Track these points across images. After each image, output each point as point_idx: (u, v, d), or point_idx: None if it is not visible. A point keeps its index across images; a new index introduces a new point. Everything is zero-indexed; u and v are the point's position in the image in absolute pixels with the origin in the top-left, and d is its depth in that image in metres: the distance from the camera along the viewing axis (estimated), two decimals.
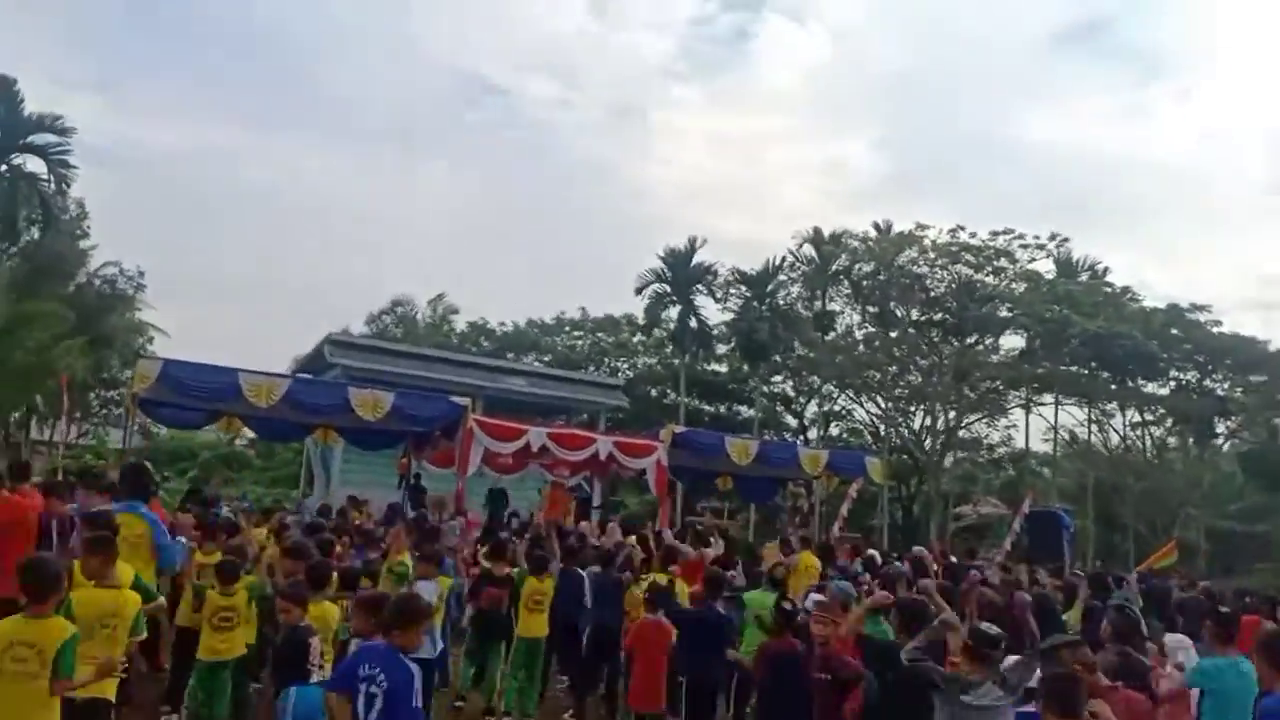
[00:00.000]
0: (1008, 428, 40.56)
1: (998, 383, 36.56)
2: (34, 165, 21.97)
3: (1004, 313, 31.22)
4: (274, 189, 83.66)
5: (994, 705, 4.54)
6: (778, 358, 39.76)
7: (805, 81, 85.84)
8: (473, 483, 20.06)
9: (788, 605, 6.48)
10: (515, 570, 8.74)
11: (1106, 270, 36.09)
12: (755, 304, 31.47)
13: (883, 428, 39.26)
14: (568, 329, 41.50)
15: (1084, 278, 35.34)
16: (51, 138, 21.77)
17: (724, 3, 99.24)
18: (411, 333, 42.75)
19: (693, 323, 30.76)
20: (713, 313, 33.61)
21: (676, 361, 34.79)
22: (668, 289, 30.57)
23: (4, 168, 21.44)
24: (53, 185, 21.61)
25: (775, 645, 6.15)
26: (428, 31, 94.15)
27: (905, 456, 36.65)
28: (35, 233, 26.28)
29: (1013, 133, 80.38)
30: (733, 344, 34.19)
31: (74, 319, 23.87)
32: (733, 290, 32.25)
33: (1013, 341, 35.85)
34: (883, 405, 39.21)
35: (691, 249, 30.51)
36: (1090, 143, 74.46)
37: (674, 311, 31.16)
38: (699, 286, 30.74)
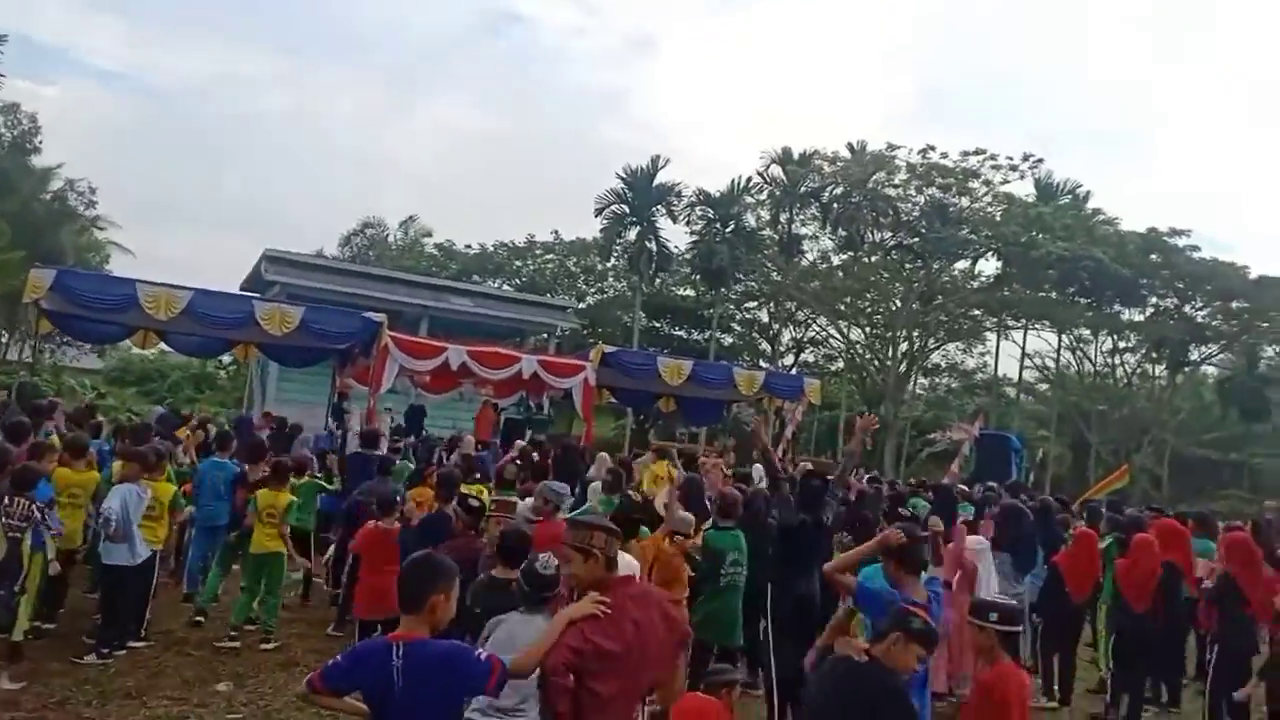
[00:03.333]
0: (982, 354, 40.27)
1: (972, 309, 36.09)
2: None
3: (970, 235, 30.41)
4: (291, 117, 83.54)
5: None
6: (745, 282, 39.32)
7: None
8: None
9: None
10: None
11: (1088, 194, 35.13)
12: (717, 225, 30.67)
13: (861, 353, 38.96)
14: (538, 252, 40.86)
15: (1065, 201, 34.44)
16: None
17: None
18: (383, 255, 42.27)
19: (652, 245, 29.99)
20: (678, 235, 33.05)
21: (641, 287, 34.23)
22: (627, 210, 29.78)
23: None
24: None
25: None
26: None
27: (882, 382, 36.39)
28: None
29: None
30: (693, 268, 33.56)
31: (9, 233, 23.43)
32: (697, 212, 31.46)
33: (990, 267, 35.30)
34: (861, 332, 38.87)
35: (654, 168, 29.64)
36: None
37: (635, 234, 30.36)
38: (659, 208, 29.93)
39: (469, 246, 41.08)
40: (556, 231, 40.33)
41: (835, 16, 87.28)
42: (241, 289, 25.68)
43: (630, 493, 7.84)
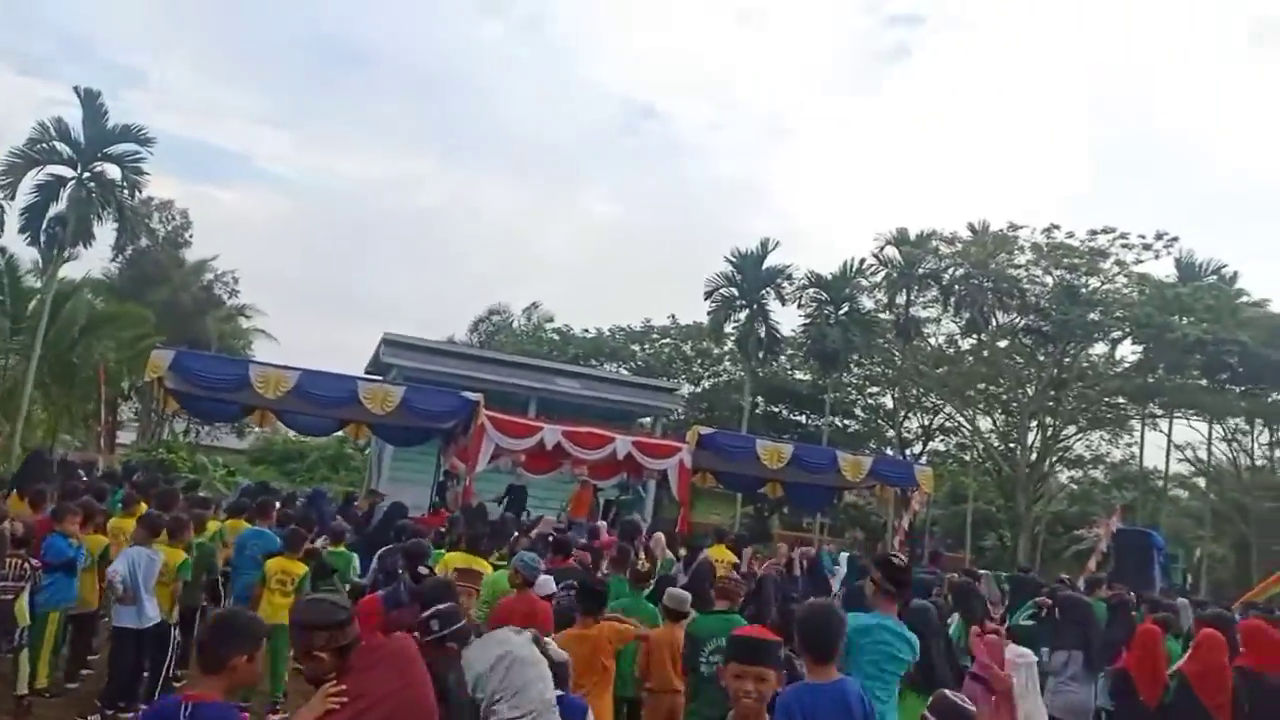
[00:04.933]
0: (1129, 445, 37.67)
1: (1115, 396, 34.00)
2: (114, 173, 23.17)
3: (1095, 317, 28.78)
4: (442, 212, 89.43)
5: None
6: (868, 366, 38.31)
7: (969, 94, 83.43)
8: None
9: None
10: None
11: (1235, 275, 32.78)
12: (829, 308, 30.12)
13: (992, 442, 37.16)
14: (654, 336, 41.13)
15: (1210, 280, 32.26)
16: (129, 147, 23.05)
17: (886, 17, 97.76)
18: (506, 340, 43.50)
19: (761, 329, 29.66)
20: (791, 319, 32.61)
21: (753, 370, 33.85)
22: (735, 293, 29.67)
23: (86, 175, 22.75)
24: (126, 191, 22.86)
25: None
26: (594, 65, 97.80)
27: (1013, 472, 34.52)
28: (141, 241, 28.11)
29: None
30: (805, 351, 32.96)
31: (154, 319, 25.28)
32: (810, 294, 31.01)
33: (1131, 351, 33.25)
34: (992, 419, 37.13)
35: (764, 251, 29.51)
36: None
37: (744, 317, 30.15)
38: (769, 291, 29.69)
39: (585, 331, 41.88)
40: (673, 315, 40.72)
41: (970, 94, 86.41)
42: (365, 372, 26.83)
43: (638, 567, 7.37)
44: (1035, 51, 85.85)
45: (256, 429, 26.45)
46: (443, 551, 7.93)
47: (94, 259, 30.43)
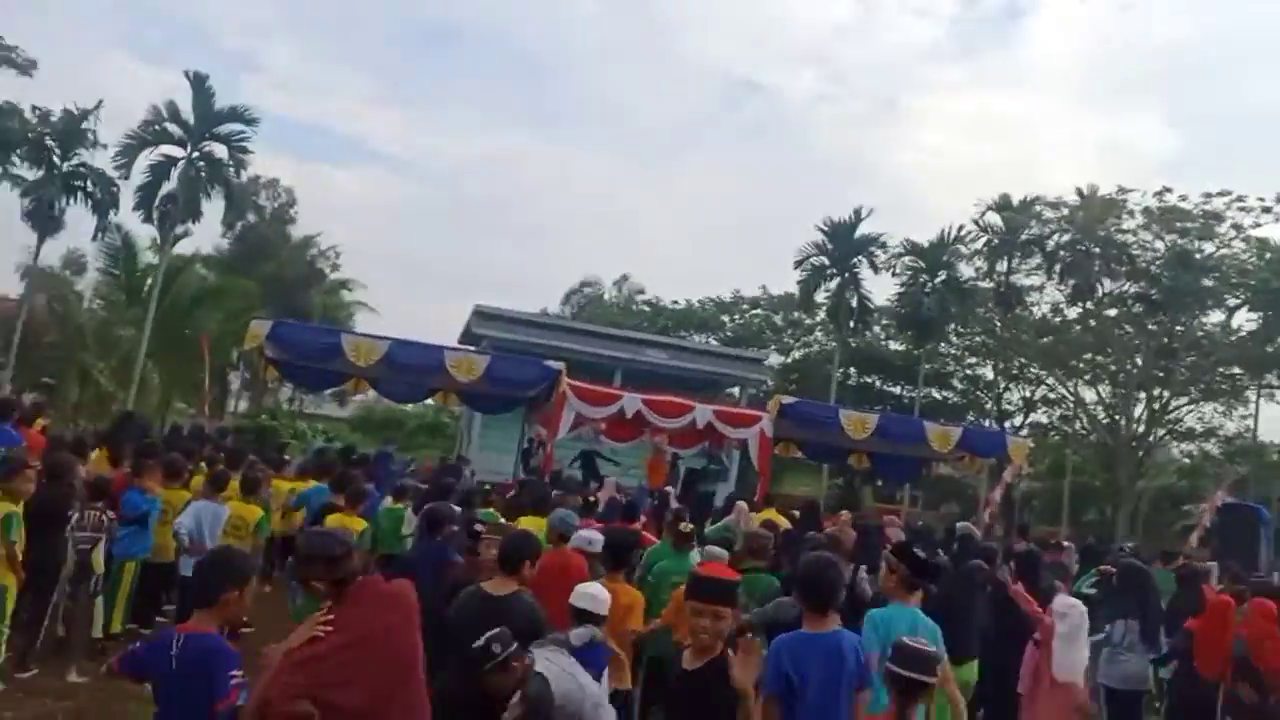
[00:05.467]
0: (1244, 417, 35.66)
1: (1231, 367, 32.22)
2: (220, 152, 24.24)
3: (1209, 283, 27.24)
4: (544, 191, 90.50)
5: None
6: (968, 336, 37.16)
7: (1082, 58, 79.87)
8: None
9: None
10: None
11: None
12: (925, 276, 29.30)
13: (1097, 414, 35.71)
14: (745, 307, 40.85)
15: None
16: (235, 127, 24.05)
17: None
18: (598, 311, 43.91)
19: (853, 298, 29.06)
20: (886, 288, 31.91)
21: (845, 340, 33.30)
22: (826, 261, 29.12)
23: (196, 154, 23.85)
24: (233, 169, 23.89)
25: None
26: (697, 37, 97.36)
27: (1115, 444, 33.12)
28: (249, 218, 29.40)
29: None
30: (898, 320, 32.17)
31: (260, 292, 26.43)
32: (906, 262, 30.24)
33: (1249, 319, 31.41)
34: (1097, 391, 35.65)
35: (856, 219, 28.86)
36: None
37: (835, 286, 29.60)
38: (861, 259, 29.03)
39: (675, 302, 41.88)
40: (764, 286, 40.32)
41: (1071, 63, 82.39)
42: (458, 342, 27.49)
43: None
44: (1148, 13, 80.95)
45: (355, 397, 27.38)
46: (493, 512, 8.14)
47: (205, 235, 32.17)
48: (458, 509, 7.03)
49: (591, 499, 11.98)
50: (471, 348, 22.30)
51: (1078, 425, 36.87)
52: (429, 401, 25.30)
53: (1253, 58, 74.72)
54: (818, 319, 36.72)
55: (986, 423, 37.14)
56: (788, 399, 19.51)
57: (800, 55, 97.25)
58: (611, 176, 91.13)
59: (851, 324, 30.45)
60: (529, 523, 7.33)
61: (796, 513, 11.53)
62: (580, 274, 48.69)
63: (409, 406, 40.55)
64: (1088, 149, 73.69)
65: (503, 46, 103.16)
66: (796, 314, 36.70)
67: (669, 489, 14.70)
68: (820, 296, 31.58)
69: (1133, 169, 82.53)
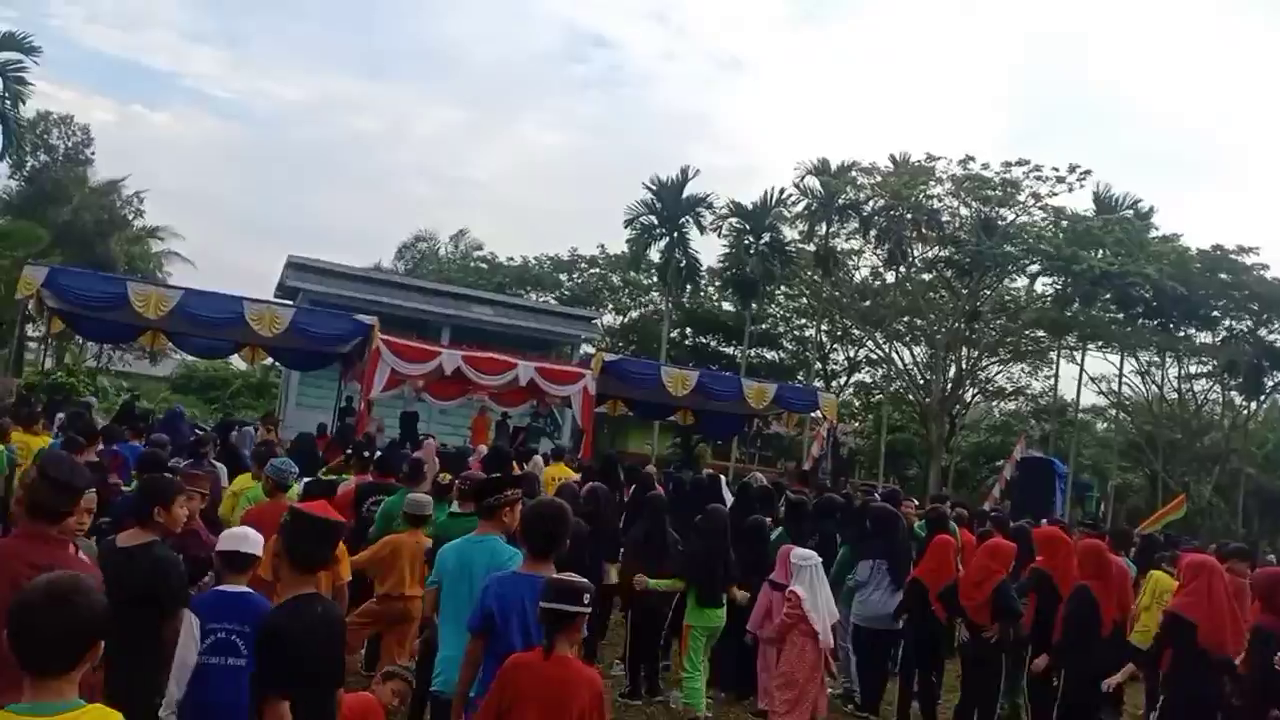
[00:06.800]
0: (1047, 377, 38.52)
1: (1035, 330, 34.60)
2: None
3: (1010, 249, 29.11)
4: (378, 138, 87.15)
5: None
6: (797, 299, 38.44)
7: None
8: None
9: None
10: None
11: (1151, 210, 33.31)
12: (749, 238, 30.00)
13: (914, 374, 37.69)
14: (583, 265, 40.75)
15: (1127, 214, 32.72)
16: (13, 55, 21.83)
17: None
18: (433, 267, 42.81)
19: (680, 257, 29.46)
20: (715, 248, 32.49)
21: (679, 301, 33.89)
22: (655, 221, 29.37)
23: None
24: (9, 102, 21.70)
25: None
26: None
27: (927, 403, 35.12)
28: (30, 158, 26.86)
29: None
30: (724, 281, 32.94)
31: (52, 239, 24.26)
32: (733, 223, 30.86)
33: (1050, 285, 33.78)
34: (910, 352, 37.59)
35: (684, 179, 29.16)
36: None
37: (664, 245, 29.91)
38: (689, 219, 29.43)
39: (511, 259, 41.28)
40: (602, 245, 40.26)
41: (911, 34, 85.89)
42: (274, 296, 26.17)
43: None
44: None
45: (146, 350, 25.54)
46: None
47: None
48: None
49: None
50: (281, 300, 21.31)
51: (897, 385, 38.87)
52: (265, 361, 24.00)
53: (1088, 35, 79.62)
54: (653, 279, 37.11)
55: (816, 382, 38.66)
56: (610, 356, 19.59)
57: (647, 12, 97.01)
58: (450, 126, 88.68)
59: (681, 284, 30.86)
60: (241, 482, 7.18)
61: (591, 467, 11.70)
62: (416, 228, 47.32)
63: (236, 365, 38.59)
64: (915, 121, 76.91)
65: None
66: (631, 273, 36.91)
67: (484, 447, 14.43)
68: (654, 256, 31.90)
69: (958, 141, 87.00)
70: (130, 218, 31.43)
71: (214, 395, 41.13)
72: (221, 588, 3.77)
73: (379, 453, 9.40)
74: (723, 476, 12.65)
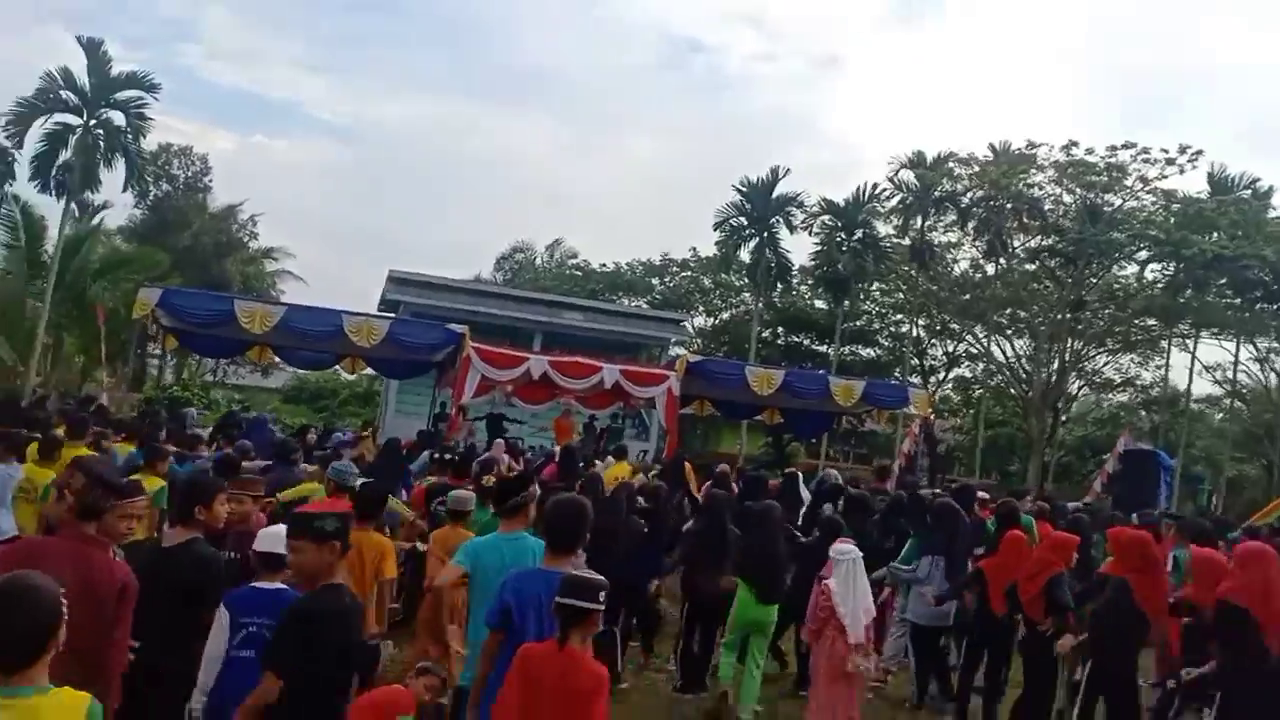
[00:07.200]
0: (1159, 367, 36.81)
1: (1146, 318, 33.15)
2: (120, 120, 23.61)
3: (1118, 235, 27.93)
4: (482, 158, 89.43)
5: None
6: (893, 294, 37.74)
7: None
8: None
9: None
10: None
11: (1270, 190, 31.45)
12: (841, 235, 29.66)
13: (1016, 367, 36.58)
14: (674, 269, 40.96)
15: (1244, 195, 31.01)
16: (134, 93, 23.40)
17: None
18: (530, 276, 43.79)
19: (771, 257, 29.30)
20: (809, 246, 32.19)
21: (770, 301, 33.70)
22: (745, 222, 29.32)
23: (93, 122, 23.19)
24: (130, 136, 23.27)
25: None
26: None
27: (1030, 396, 34.01)
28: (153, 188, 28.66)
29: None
30: (816, 279, 32.59)
31: (172, 263, 25.85)
32: (825, 221, 30.53)
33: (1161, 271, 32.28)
34: (1010, 345, 36.47)
35: (773, 179, 29.04)
36: None
37: (754, 246, 29.82)
38: (779, 219, 29.27)
39: (604, 265, 41.85)
40: (694, 248, 40.43)
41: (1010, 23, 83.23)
42: (377, 309, 27.26)
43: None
44: None
45: (256, 364, 26.92)
46: None
47: (123, 207, 31.37)
48: None
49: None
50: (381, 313, 22.18)
51: (998, 379, 37.74)
52: (367, 371, 25.09)
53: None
54: (744, 280, 37.07)
55: (913, 378, 37.88)
56: (695, 357, 19.74)
57: (738, 14, 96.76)
58: (549, 140, 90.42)
59: (772, 283, 30.74)
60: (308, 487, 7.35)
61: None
62: (516, 240, 48.38)
63: (343, 376, 40.28)
64: (1012, 112, 74.53)
65: (432, 12, 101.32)
66: (722, 275, 36.92)
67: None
68: (745, 256, 31.84)
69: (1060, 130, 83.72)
70: (246, 240, 33.28)
71: (323, 405, 42.97)
72: (256, 584, 3.95)
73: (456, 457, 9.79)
74: (799, 474, 12.63)
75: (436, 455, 10.93)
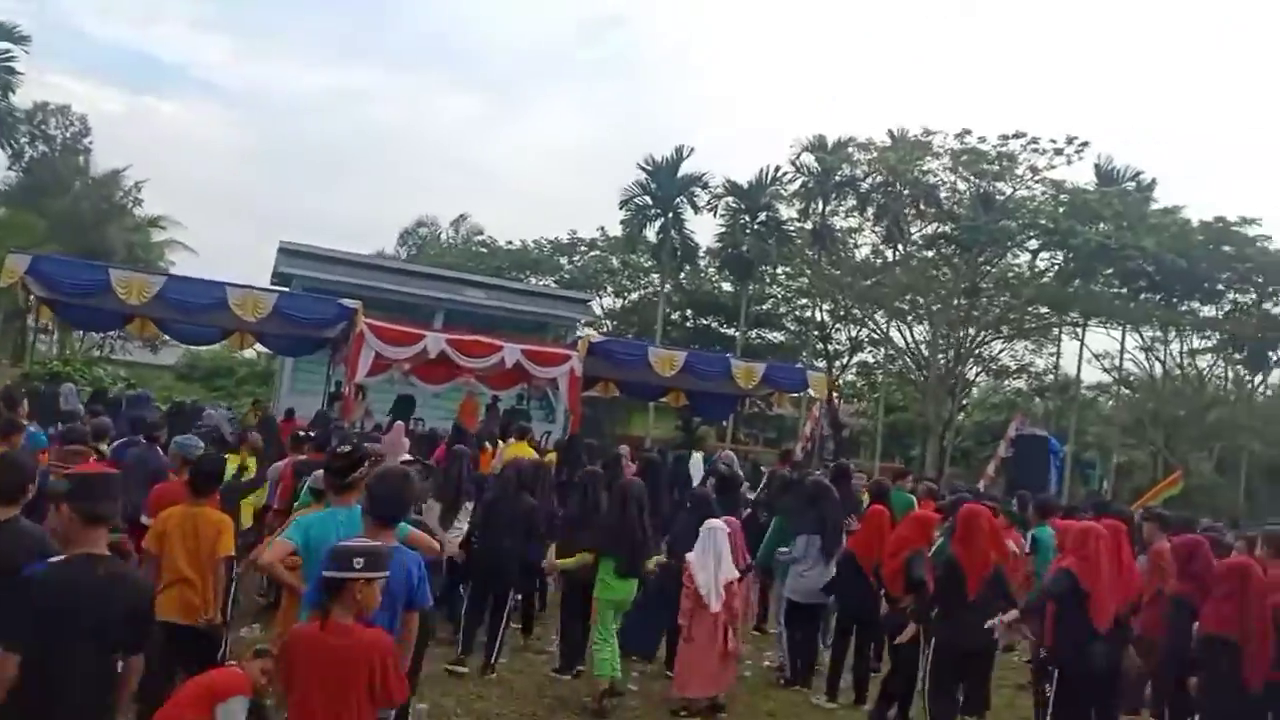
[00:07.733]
0: (1051, 354, 38.28)
1: (1038, 306, 34.32)
2: None
3: (1009, 223, 28.86)
4: (388, 129, 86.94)
5: None
6: (798, 278, 38.24)
7: None
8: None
9: None
10: None
11: (1153, 182, 32.90)
12: (745, 217, 29.88)
13: (917, 353, 37.52)
14: (583, 249, 40.72)
15: (1129, 187, 32.35)
16: (1, 45, 21.99)
17: None
18: (434, 252, 42.95)
19: (675, 238, 29.37)
20: (711, 228, 32.32)
21: (679, 282, 33.79)
22: (649, 201, 29.28)
23: None
24: None
25: None
26: None
27: (925, 381, 34.97)
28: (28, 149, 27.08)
29: None
30: (720, 260, 32.83)
31: (49, 229, 24.45)
32: (729, 203, 30.69)
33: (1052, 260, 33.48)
34: (910, 330, 37.37)
35: (678, 158, 29.05)
36: None
37: (659, 226, 29.84)
38: (683, 199, 29.33)
39: (510, 243, 41.27)
40: (602, 228, 40.23)
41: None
42: (270, 283, 26.28)
43: None
44: None
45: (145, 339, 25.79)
46: None
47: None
48: None
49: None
50: (271, 287, 21.36)
51: (900, 364, 38.67)
52: (261, 349, 24.14)
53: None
54: (651, 261, 37.06)
55: (818, 363, 38.49)
56: (598, 338, 19.58)
57: None
58: (460, 115, 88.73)
59: (677, 264, 30.80)
60: None
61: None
62: (421, 215, 47.30)
63: (240, 355, 38.83)
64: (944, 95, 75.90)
65: None
66: (631, 256, 36.84)
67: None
68: (651, 236, 31.82)
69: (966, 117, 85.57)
70: (130, 207, 31.69)
71: (220, 384, 41.47)
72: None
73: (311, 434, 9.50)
74: (693, 455, 12.69)
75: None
